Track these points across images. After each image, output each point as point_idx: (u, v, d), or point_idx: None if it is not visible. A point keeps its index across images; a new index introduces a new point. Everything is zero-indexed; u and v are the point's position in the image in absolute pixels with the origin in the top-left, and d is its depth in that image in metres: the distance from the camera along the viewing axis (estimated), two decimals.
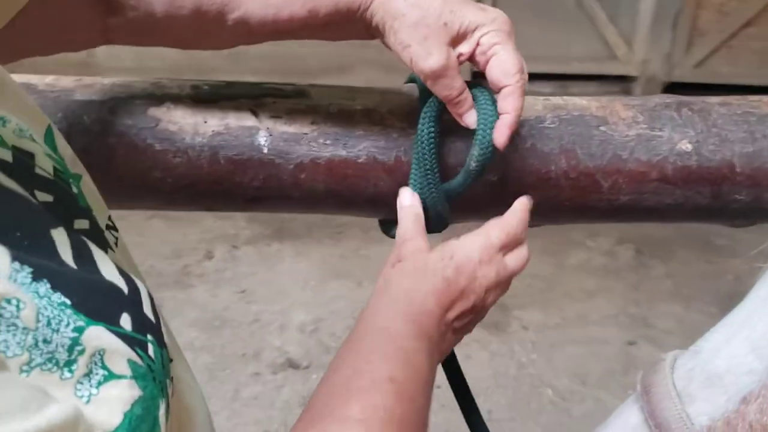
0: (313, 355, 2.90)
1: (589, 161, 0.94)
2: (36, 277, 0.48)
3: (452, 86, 0.80)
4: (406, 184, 0.92)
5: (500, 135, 0.80)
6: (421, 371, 0.68)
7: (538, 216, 0.99)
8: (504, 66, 0.79)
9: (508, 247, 0.83)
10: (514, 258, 0.84)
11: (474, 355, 2.95)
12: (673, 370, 0.74)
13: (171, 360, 0.60)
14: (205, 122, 0.91)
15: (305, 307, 3.15)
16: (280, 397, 2.71)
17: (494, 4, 5.19)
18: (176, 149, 0.89)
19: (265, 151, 0.91)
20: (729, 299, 3.29)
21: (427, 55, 0.78)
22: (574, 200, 0.96)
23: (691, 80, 5.51)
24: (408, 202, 0.87)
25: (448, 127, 0.89)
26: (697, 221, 1.03)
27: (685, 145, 0.95)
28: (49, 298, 0.47)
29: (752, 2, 5.31)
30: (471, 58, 0.81)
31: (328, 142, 0.92)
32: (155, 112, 0.90)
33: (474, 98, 0.83)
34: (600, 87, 5.44)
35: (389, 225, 1.02)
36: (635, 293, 3.44)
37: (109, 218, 0.67)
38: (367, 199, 0.94)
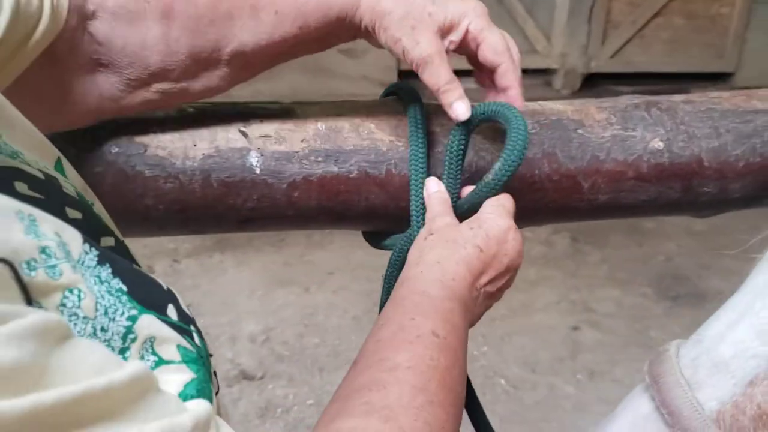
0: (266, 365, 2.88)
1: (570, 164, 0.98)
2: (101, 260, 0.50)
3: (439, 74, 0.83)
4: (398, 197, 0.94)
5: (517, 103, 0.86)
6: (459, 328, 0.73)
7: (524, 219, 1.02)
8: (495, 47, 0.84)
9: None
10: None
11: None
12: (678, 360, 0.77)
13: (211, 355, 0.62)
14: (195, 145, 0.89)
15: (254, 316, 3.12)
16: (238, 411, 2.67)
17: None
18: (167, 174, 0.88)
19: (258, 171, 0.90)
20: (661, 280, 3.45)
21: (416, 44, 0.82)
22: (557, 202, 0.99)
23: (607, 70, 5.74)
24: (435, 188, 0.90)
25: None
26: (669, 215, 1.08)
27: (657, 143, 1.00)
28: (109, 283, 0.50)
29: None
30: (462, 44, 0.86)
31: (319, 159, 0.92)
32: (142, 137, 0.88)
33: (504, 117, 0.85)
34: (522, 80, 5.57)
35: (377, 236, 1.03)
36: (574, 280, 3.55)
37: (123, 242, 0.66)
38: (360, 213, 0.95)
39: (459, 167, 0.89)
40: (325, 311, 3.10)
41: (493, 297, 0.83)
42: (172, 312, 0.55)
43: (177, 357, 0.52)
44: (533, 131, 0.98)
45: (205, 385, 0.53)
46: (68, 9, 0.74)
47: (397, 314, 0.73)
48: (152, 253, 3.48)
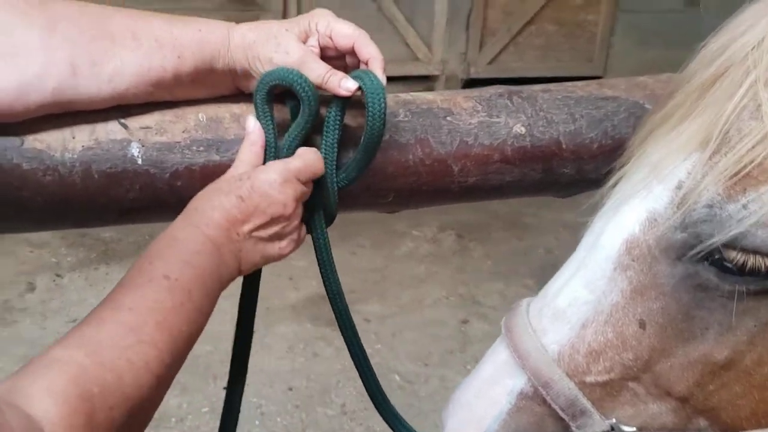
0: None
1: (441, 148, 1.05)
2: None
3: (318, 69, 0.92)
4: None
5: (380, 73, 0.94)
6: (203, 270, 0.81)
7: (400, 202, 1.09)
8: (343, 31, 0.96)
9: (304, 175, 0.92)
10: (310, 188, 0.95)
11: (320, 352, 3.02)
12: (528, 312, 0.88)
13: None
14: (74, 137, 0.90)
15: None
16: None
17: (299, 14, 5.28)
18: (46, 167, 0.88)
19: (140, 162, 0.92)
20: (542, 271, 3.64)
21: (286, 54, 0.93)
22: (430, 184, 1.06)
23: (485, 76, 5.95)
24: (251, 128, 0.94)
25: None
26: (533, 195, 1.17)
27: (520, 128, 1.09)
28: None
29: (532, 2, 5.85)
30: (322, 45, 0.96)
31: (201, 148, 0.95)
32: (17, 129, 0.88)
33: (359, 78, 0.92)
34: (405, 87, 5.71)
35: None
36: (461, 275, 3.69)
37: None
38: None
39: (336, 137, 0.95)
40: (216, 318, 3.03)
41: (270, 241, 0.90)
42: None
43: None
44: (405, 119, 1.04)
45: None
46: None
47: (143, 258, 0.81)
48: (33, 268, 3.34)
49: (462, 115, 1.07)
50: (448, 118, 1.06)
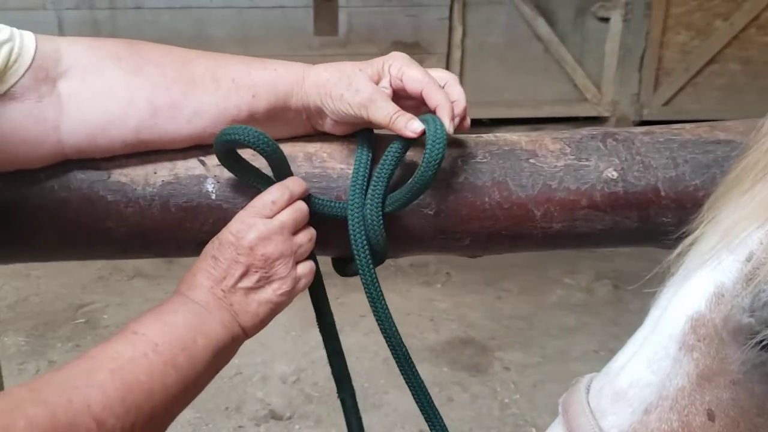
0: (295, 405, 2.91)
1: (521, 192, 1.00)
2: None
3: (386, 109, 0.92)
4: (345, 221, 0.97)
5: (447, 122, 0.92)
6: (178, 327, 0.83)
7: (477, 246, 1.05)
8: (414, 77, 0.95)
9: (269, 205, 0.91)
10: (287, 213, 0.92)
11: (456, 397, 2.95)
12: (588, 390, 0.79)
13: None
14: (155, 173, 0.96)
15: (287, 357, 3.16)
16: None
17: (463, 56, 5.33)
18: (128, 200, 0.94)
19: (213, 197, 0.96)
20: None
21: (356, 92, 0.93)
22: (509, 229, 1.01)
23: (660, 118, 5.64)
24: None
25: None
26: (631, 245, 1.08)
27: (611, 173, 1.01)
28: None
29: (714, 40, 5.49)
30: (393, 88, 0.95)
31: None
32: (107, 165, 0.95)
33: (426, 122, 0.91)
34: (572, 128, 5.54)
35: (342, 263, 1.07)
36: (614, 328, 3.47)
37: None
38: None
39: (388, 172, 0.94)
40: (357, 353, 3.12)
41: (259, 288, 0.90)
42: None
43: None
44: (483, 161, 1.00)
45: None
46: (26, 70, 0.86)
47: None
48: None
49: (547, 158, 1.02)
50: (531, 161, 1.01)
